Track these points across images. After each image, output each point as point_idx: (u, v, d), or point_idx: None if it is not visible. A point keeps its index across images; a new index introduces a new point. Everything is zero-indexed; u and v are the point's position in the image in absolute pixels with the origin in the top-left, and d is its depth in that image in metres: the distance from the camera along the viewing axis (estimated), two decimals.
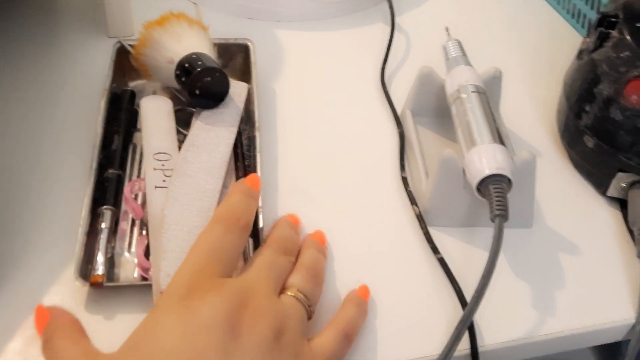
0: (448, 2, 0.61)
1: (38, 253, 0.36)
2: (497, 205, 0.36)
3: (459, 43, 0.46)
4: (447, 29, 0.48)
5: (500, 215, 0.35)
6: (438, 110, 0.45)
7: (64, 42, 0.53)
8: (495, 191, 0.36)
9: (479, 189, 0.37)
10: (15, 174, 0.41)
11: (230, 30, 0.51)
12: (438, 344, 0.34)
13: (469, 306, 0.33)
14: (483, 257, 0.36)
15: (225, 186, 0.38)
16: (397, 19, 0.56)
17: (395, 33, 0.55)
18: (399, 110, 0.48)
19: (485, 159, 0.37)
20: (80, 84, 0.48)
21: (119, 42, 0.47)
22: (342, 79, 0.51)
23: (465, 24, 0.55)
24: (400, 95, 0.48)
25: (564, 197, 0.43)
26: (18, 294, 0.35)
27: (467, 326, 0.33)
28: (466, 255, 0.38)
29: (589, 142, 0.42)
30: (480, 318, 0.35)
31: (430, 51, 0.51)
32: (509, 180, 0.37)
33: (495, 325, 0.35)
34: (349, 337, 0.33)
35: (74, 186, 0.39)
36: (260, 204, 0.37)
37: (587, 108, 0.42)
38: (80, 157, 0.41)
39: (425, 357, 0.34)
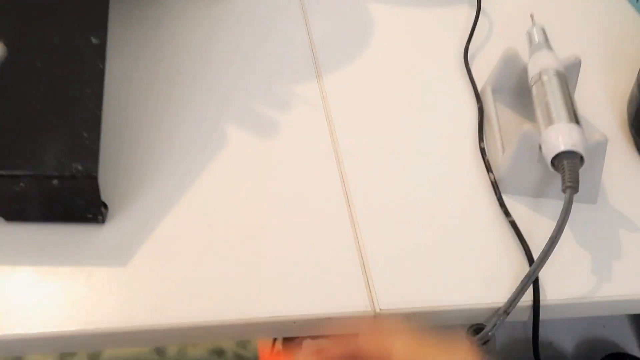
0: None
1: None
2: (569, 178, 0.40)
3: (543, 29, 0.50)
4: (531, 16, 0.51)
5: (571, 187, 0.40)
6: (517, 90, 0.49)
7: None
8: (568, 166, 0.40)
9: (553, 162, 0.41)
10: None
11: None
12: (505, 294, 0.38)
13: (535, 262, 0.38)
14: (550, 224, 0.40)
15: None
16: (482, 3, 0.60)
17: (480, 16, 0.59)
18: (479, 87, 0.52)
19: (561, 136, 0.41)
20: None
21: None
22: (426, 53, 0.56)
23: (548, 12, 0.59)
24: (482, 73, 0.52)
25: (628, 180, 0.47)
26: None
27: (532, 280, 0.38)
28: (535, 221, 0.43)
29: None
30: (544, 276, 0.40)
31: (512, 35, 0.55)
32: (582, 157, 0.41)
33: (557, 284, 0.40)
34: None
35: None
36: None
37: None
38: None
39: (493, 304, 0.38)
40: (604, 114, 0.52)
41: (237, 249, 0.40)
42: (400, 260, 0.40)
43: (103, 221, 0.40)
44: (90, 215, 0.39)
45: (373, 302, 0.38)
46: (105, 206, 0.40)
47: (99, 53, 0.39)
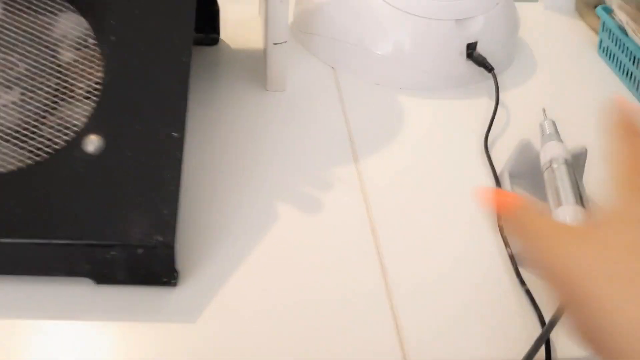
0: (545, 84, 0.72)
1: None
2: None
3: (553, 122, 0.57)
4: (543, 110, 0.59)
5: None
6: (531, 174, 0.56)
7: (227, 91, 0.67)
8: None
9: None
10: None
11: (362, 92, 0.64)
12: (522, 353, 0.44)
13: (546, 326, 0.44)
14: None
15: None
16: (501, 95, 0.68)
17: (499, 107, 0.66)
18: (498, 171, 0.59)
19: (569, 217, 0.47)
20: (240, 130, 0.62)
21: None
22: (451, 140, 0.63)
23: (558, 104, 0.66)
24: (500, 158, 0.60)
25: None
26: None
27: (544, 341, 0.44)
28: (547, 291, 0.49)
29: None
30: (555, 336, 0.45)
31: (528, 124, 0.62)
32: None
33: (567, 344, 0.45)
34: None
35: None
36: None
37: None
38: None
39: None
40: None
41: (287, 307, 0.46)
42: (429, 319, 0.46)
43: (175, 284, 0.47)
44: (165, 279, 0.47)
45: (405, 357, 0.44)
46: (177, 271, 0.47)
47: (178, 145, 0.47)
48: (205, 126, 0.61)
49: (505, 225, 0.40)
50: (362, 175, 0.58)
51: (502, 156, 0.59)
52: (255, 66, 0.71)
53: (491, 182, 0.58)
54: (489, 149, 0.61)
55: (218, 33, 0.75)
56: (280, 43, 0.65)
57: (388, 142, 0.62)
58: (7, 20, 0.51)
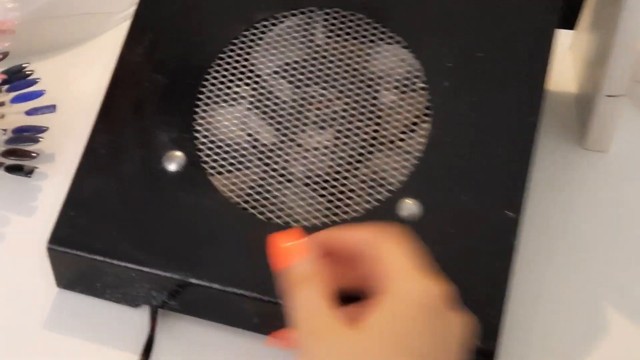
0: None
1: None
2: None
3: None
4: None
5: None
6: None
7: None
8: None
9: None
10: None
11: None
12: None
13: None
14: None
15: None
16: None
17: None
18: None
19: None
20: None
21: None
22: None
23: None
24: None
25: None
26: None
27: None
28: None
29: None
30: None
31: None
32: None
33: None
34: None
35: None
36: None
37: None
38: None
39: None
40: None
41: None
42: None
43: None
44: None
45: None
46: None
47: (512, 228, 0.38)
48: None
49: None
50: None
51: None
52: (565, 115, 0.60)
53: None
54: None
55: None
56: (616, 96, 0.53)
57: None
58: (328, 48, 0.45)
